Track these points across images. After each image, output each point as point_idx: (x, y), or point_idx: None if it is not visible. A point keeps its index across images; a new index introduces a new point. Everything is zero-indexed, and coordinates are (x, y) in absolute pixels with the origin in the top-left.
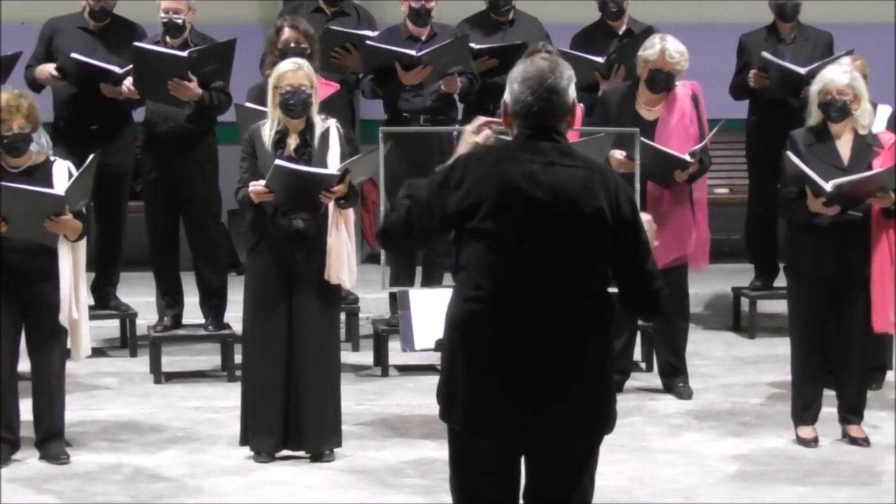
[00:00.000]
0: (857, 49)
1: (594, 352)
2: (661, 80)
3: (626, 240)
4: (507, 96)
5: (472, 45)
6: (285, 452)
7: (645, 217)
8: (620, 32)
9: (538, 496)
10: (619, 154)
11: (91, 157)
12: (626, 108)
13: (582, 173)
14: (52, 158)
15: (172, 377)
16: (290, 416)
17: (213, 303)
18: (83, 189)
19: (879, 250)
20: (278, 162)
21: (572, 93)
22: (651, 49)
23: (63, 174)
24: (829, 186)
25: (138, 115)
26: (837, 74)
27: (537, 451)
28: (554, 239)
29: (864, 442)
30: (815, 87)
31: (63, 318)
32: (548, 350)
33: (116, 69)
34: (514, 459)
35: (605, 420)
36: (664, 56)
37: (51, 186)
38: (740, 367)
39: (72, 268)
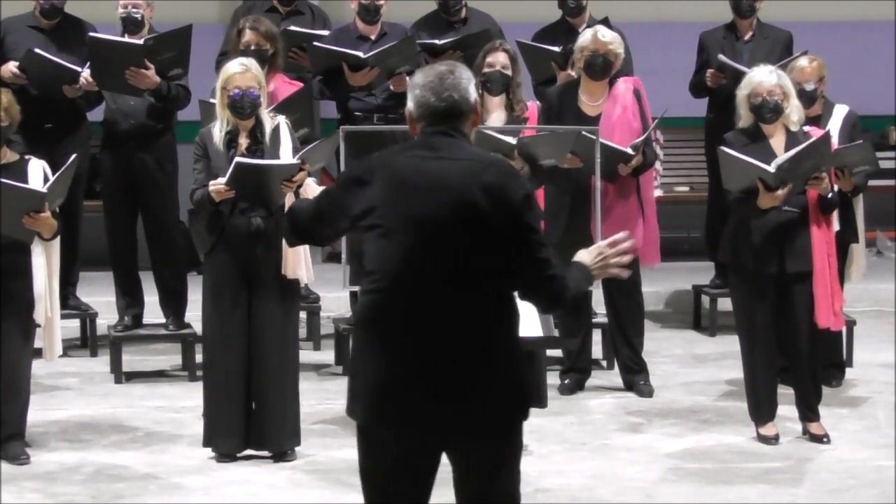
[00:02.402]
0: (816, 48)
1: (494, 345)
2: (599, 65)
3: (514, 229)
4: (409, 104)
5: (436, 41)
6: (247, 452)
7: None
8: (580, 31)
9: (461, 490)
10: None
11: (73, 156)
12: (568, 104)
13: (467, 165)
14: (26, 157)
15: (133, 377)
16: (251, 416)
17: (174, 302)
18: (61, 188)
19: (818, 247)
20: (238, 159)
21: (473, 93)
22: (584, 37)
23: (38, 173)
24: (771, 168)
25: (97, 114)
26: (764, 76)
27: (444, 445)
28: (442, 232)
29: (824, 439)
30: (743, 91)
31: (39, 317)
32: (444, 344)
33: (77, 68)
34: (420, 454)
35: (511, 415)
36: (597, 37)
37: (27, 184)
38: (701, 365)
39: (46, 266)
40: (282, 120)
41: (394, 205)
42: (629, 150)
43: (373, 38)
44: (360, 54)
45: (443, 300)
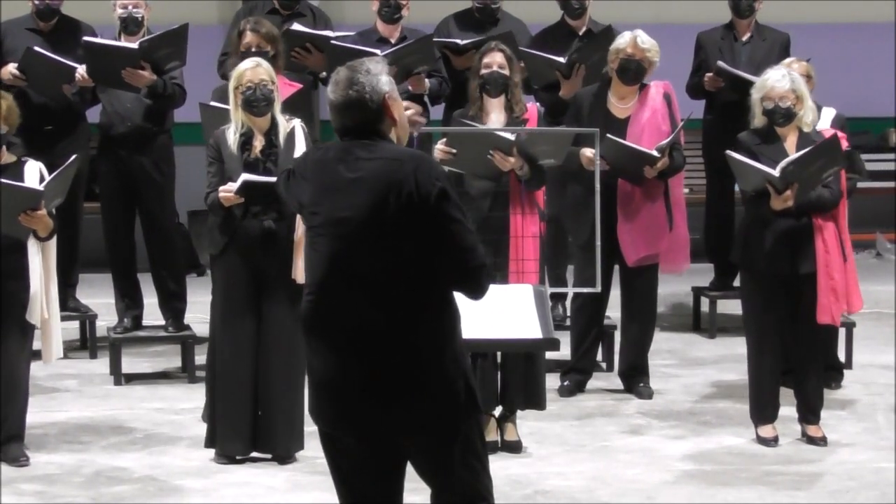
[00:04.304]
0: (815, 50)
1: (422, 342)
2: (633, 69)
3: (433, 223)
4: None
5: (458, 41)
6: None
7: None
8: (581, 33)
9: (432, 488)
10: (588, 152)
11: (73, 157)
12: (598, 106)
13: (380, 164)
14: (23, 159)
15: (133, 379)
16: (257, 419)
17: (173, 304)
18: (59, 189)
19: (820, 243)
20: (245, 176)
21: (382, 89)
22: (622, 39)
23: (35, 174)
24: (776, 172)
25: (94, 116)
26: (777, 81)
27: (388, 444)
28: (362, 234)
29: (821, 441)
30: (756, 94)
31: (35, 318)
32: (372, 345)
33: (76, 64)
34: (374, 454)
35: (446, 410)
36: (636, 42)
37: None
38: (700, 367)
39: (42, 267)
40: (297, 123)
41: (317, 209)
42: (653, 153)
43: (392, 41)
44: (378, 52)
45: (369, 302)
